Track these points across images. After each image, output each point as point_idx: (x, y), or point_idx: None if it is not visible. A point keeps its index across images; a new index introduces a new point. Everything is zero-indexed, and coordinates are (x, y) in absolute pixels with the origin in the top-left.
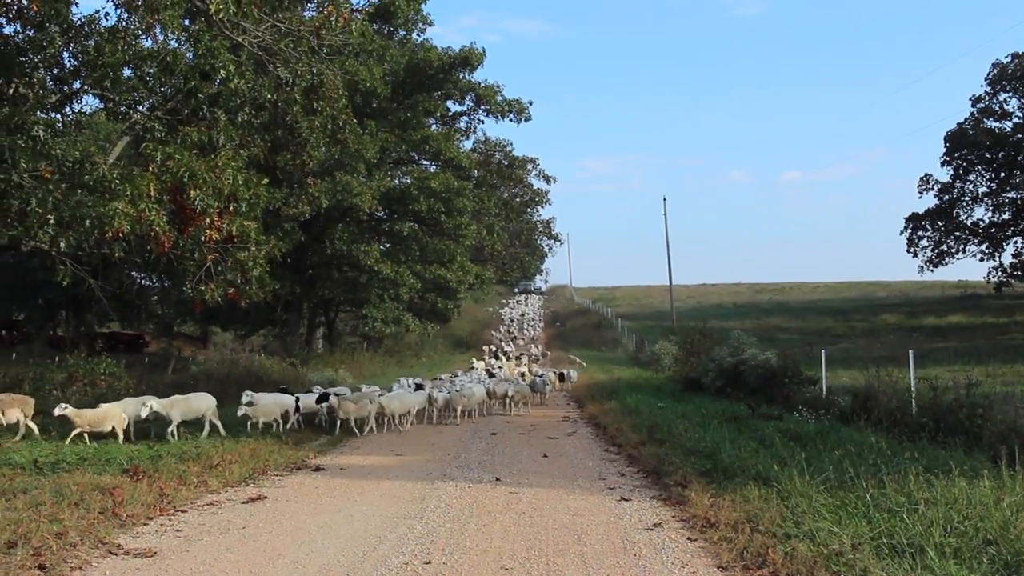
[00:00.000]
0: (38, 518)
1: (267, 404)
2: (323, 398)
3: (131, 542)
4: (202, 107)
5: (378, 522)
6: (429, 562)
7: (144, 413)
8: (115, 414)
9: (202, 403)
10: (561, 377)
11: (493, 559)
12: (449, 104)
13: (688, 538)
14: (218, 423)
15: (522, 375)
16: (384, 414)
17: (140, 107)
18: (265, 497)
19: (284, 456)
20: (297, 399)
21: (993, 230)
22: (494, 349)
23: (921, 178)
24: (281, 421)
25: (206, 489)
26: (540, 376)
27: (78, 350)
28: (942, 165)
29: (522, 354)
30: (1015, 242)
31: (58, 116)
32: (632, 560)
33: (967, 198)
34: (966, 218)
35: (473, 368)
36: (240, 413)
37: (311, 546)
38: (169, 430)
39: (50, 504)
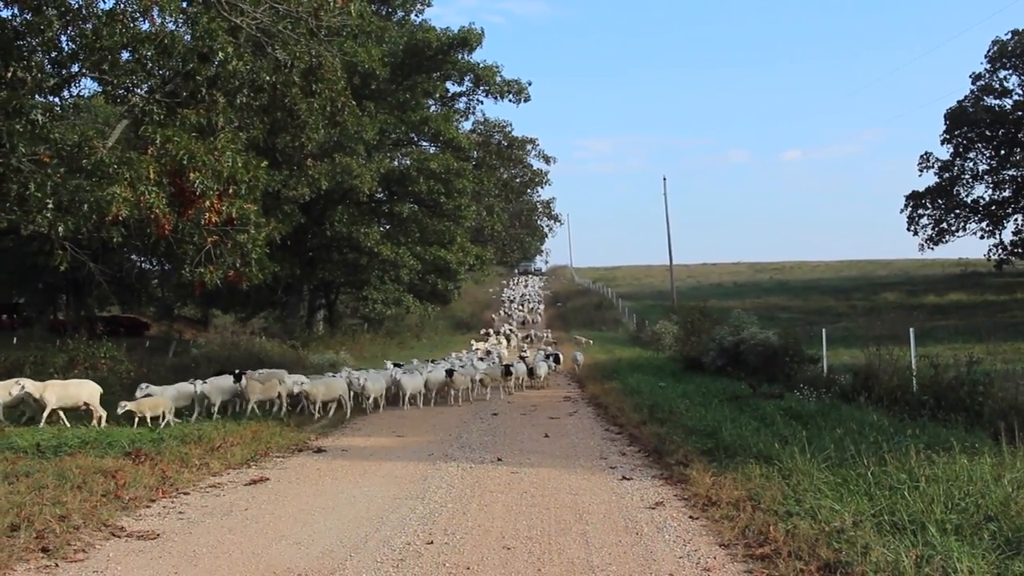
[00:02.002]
0: (41, 501)
1: (154, 398)
2: (237, 378)
3: (134, 524)
4: (201, 89)
5: (380, 503)
6: (431, 542)
7: (15, 392)
8: None
9: (82, 390)
10: (556, 359)
11: (495, 538)
12: (448, 85)
13: (690, 516)
14: (101, 412)
15: (521, 358)
16: (310, 399)
17: (138, 90)
18: (267, 479)
19: (286, 438)
20: (194, 383)
21: (993, 208)
22: (487, 331)
23: (921, 156)
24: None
25: (208, 471)
26: (545, 357)
27: (79, 334)
28: (942, 143)
29: (526, 336)
30: (1015, 219)
31: (56, 100)
32: (634, 539)
33: (967, 176)
34: (966, 196)
35: (475, 350)
36: (120, 412)
37: (313, 527)
38: (43, 416)
39: (53, 487)
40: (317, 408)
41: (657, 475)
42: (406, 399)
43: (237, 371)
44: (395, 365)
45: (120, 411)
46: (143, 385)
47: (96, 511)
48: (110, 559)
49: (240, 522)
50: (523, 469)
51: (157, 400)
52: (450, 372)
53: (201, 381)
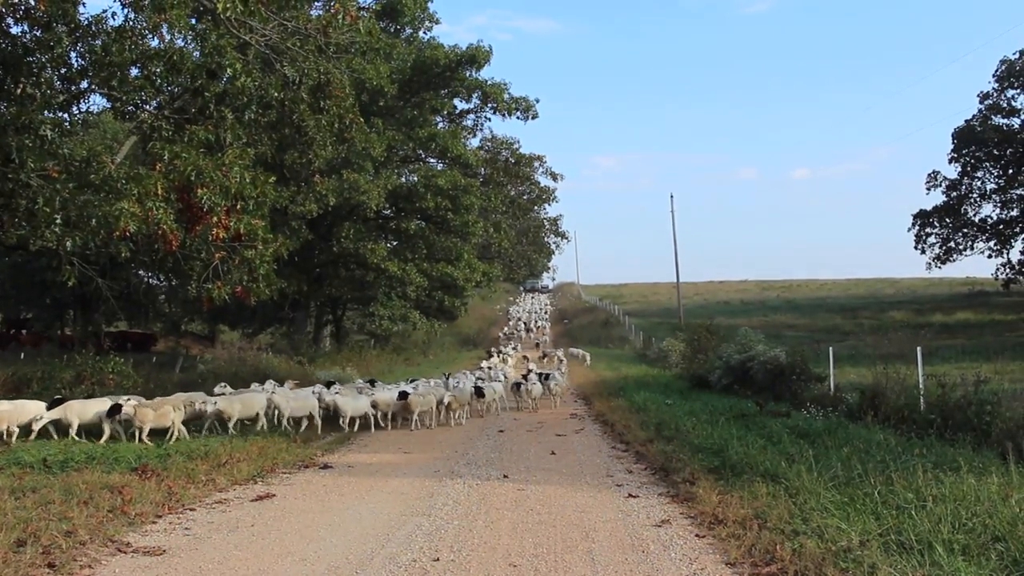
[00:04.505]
0: (47, 516)
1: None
2: (115, 410)
3: (140, 540)
4: (209, 106)
5: (386, 519)
6: (437, 559)
7: None
8: None
9: None
10: (545, 377)
11: (501, 556)
12: (456, 102)
13: (696, 535)
14: None
15: (524, 377)
16: (223, 418)
17: (147, 106)
18: (273, 495)
19: (292, 454)
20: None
21: (1001, 227)
22: (490, 351)
23: (929, 175)
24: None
25: (214, 487)
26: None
27: (86, 349)
28: (950, 162)
29: (543, 355)
30: (1023, 239)
31: (65, 115)
32: (640, 557)
33: (975, 195)
34: (974, 215)
35: (480, 368)
36: None
37: (320, 544)
38: None
39: (59, 502)
40: (233, 426)
41: (663, 493)
42: (346, 422)
43: (117, 403)
44: (327, 384)
45: None
46: None
47: (102, 527)
48: (116, 575)
49: (246, 538)
50: (529, 486)
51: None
52: (404, 394)
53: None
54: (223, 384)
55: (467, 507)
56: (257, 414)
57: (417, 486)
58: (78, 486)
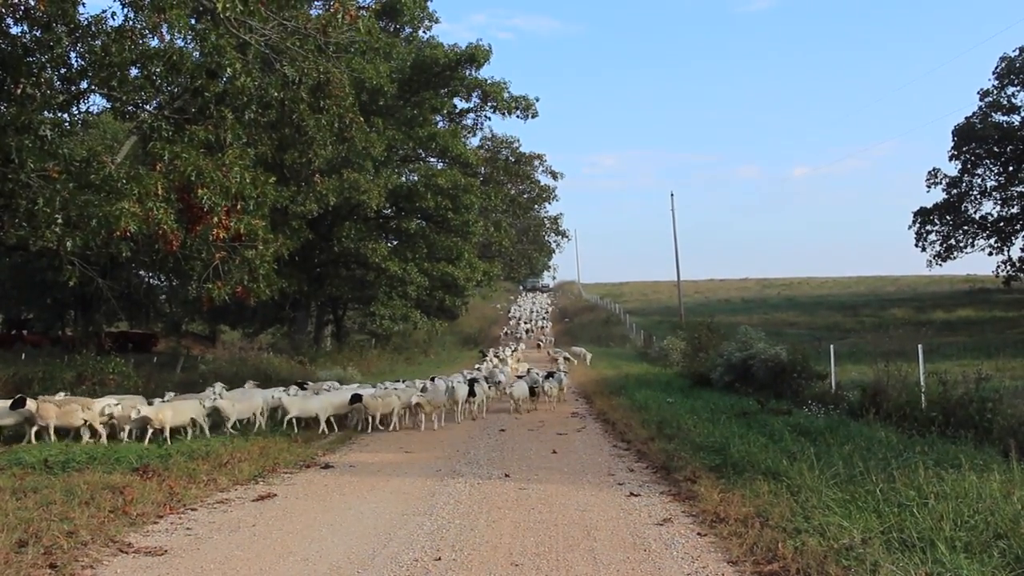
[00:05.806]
0: (49, 517)
1: None
2: (18, 403)
3: (142, 540)
4: (209, 106)
5: (388, 519)
6: (439, 559)
7: None
8: None
9: None
10: (547, 376)
11: (503, 555)
12: (456, 101)
13: (698, 533)
14: None
15: (519, 378)
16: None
17: (147, 106)
18: (275, 495)
19: (293, 454)
20: None
21: (1002, 224)
22: (491, 351)
23: (929, 172)
24: None
25: (216, 487)
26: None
27: (87, 349)
28: (950, 159)
29: (565, 357)
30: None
31: (65, 116)
32: (642, 555)
33: (975, 192)
34: (974, 212)
35: (477, 369)
36: None
37: (321, 544)
38: None
39: (60, 503)
40: (166, 434)
41: (665, 491)
42: (294, 423)
43: (22, 396)
44: (300, 386)
45: None
46: None
47: (104, 527)
48: (118, 575)
49: (248, 538)
50: (531, 485)
51: None
52: (357, 396)
53: None
54: (170, 393)
55: (469, 506)
56: (192, 420)
57: (419, 485)
58: (79, 486)
